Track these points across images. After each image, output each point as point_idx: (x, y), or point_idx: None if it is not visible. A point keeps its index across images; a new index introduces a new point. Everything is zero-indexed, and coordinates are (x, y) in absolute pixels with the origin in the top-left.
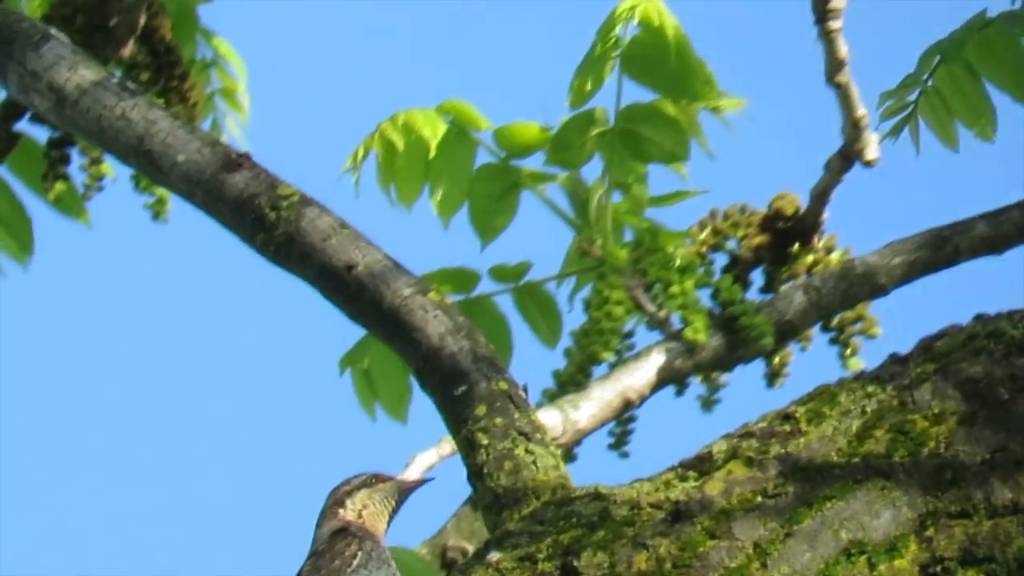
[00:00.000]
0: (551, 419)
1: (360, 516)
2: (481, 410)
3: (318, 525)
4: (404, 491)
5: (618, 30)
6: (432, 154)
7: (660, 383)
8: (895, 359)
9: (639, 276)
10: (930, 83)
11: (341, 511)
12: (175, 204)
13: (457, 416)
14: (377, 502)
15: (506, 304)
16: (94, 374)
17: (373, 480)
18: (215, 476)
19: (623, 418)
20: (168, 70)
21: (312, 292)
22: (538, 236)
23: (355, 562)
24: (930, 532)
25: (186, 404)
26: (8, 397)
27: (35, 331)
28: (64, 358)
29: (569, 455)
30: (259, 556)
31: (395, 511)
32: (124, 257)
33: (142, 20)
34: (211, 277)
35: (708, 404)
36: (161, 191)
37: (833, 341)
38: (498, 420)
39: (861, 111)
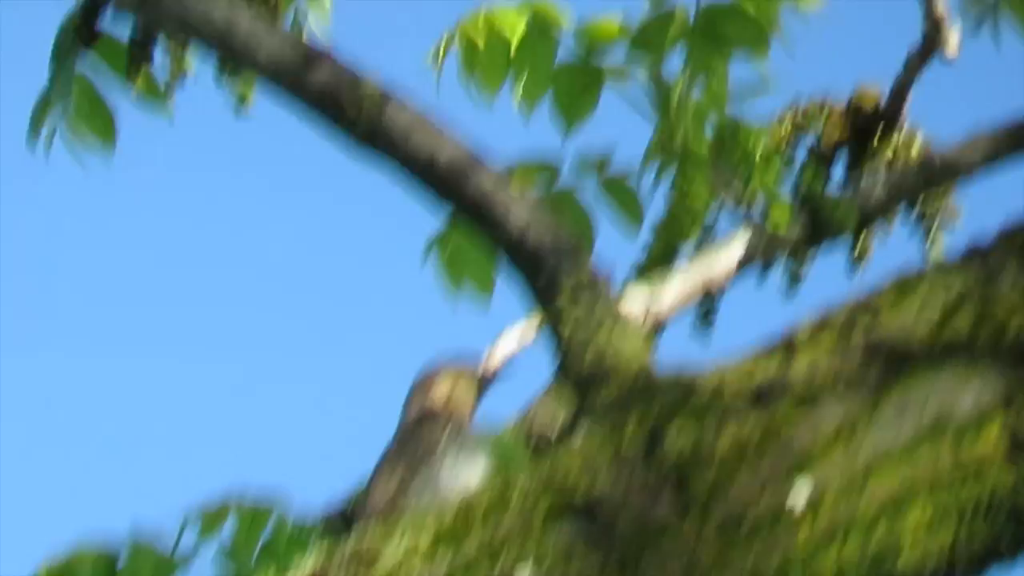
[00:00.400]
0: (634, 306)
1: (446, 401)
2: (565, 297)
3: (403, 411)
4: (486, 380)
5: None
6: (513, 51)
7: (741, 271)
8: (976, 247)
9: (721, 168)
10: None
11: (426, 396)
12: (257, 98)
13: (541, 303)
14: (462, 388)
15: (589, 195)
16: (178, 267)
17: (457, 367)
18: (299, 362)
19: (706, 303)
20: None
21: (395, 184)
22: (619, 130)
23: (441, 447)
24: (1014, 410)
25: (270, 293)
26: (92, 288)
27: (118, 226)
28: (147, 252)
29: (653, 339)
30: (343, 440)
31: (478, 398)
32: (206, 151)
33: None
34: (294, 170)
35: (790, 290)
36: (243, 86)
37: (914, 231)
38: (582, 308)
39: (942, 5)
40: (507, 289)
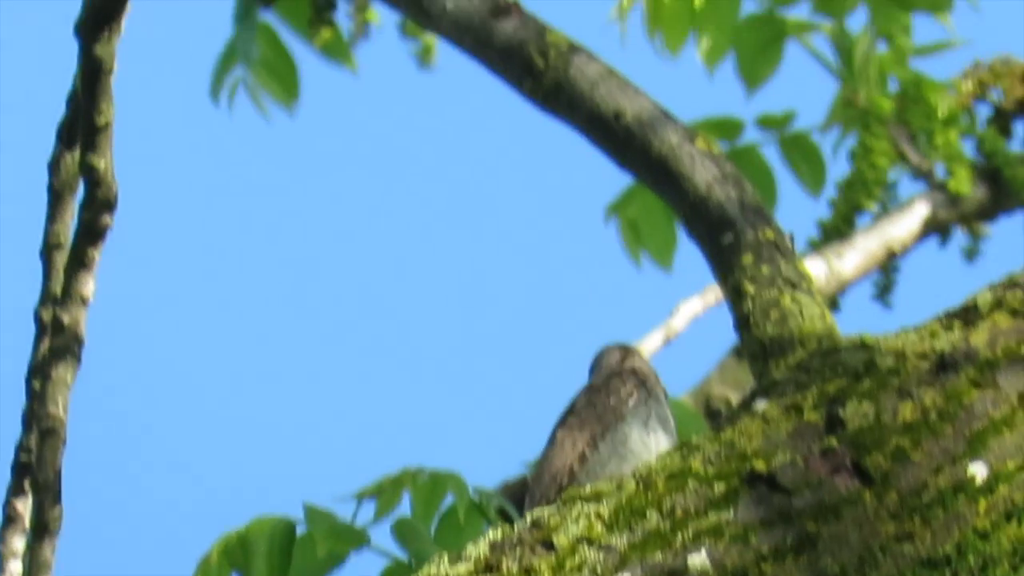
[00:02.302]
0: (816, 268)
1: (630, 366)
2: (748, 259)
3: (593, 372)
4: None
5: None
6: (698, 3)
7: (923, 233)
8: None
9: (903, 126)
10: None
11: (620, 359)
12: (441, 49)
13: (724, 264)
14: (641, 358)
15: (771, 153)
16: (358, 218)
17: (636, 355)
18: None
19: (887, 268)
20: None
21: (579, 139)
22: (803, 86)
23: (632, 401)
24: None
25: (452, 248)
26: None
27: (301, 177)
28: (330, 204)
29: (833, 304)
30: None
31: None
32: (391, 103)
33: None
34: (478, 123)
35: (971, 254)
36: (427, 38)
37: None
38: (765, 269)
39: None
40: (691, 250)
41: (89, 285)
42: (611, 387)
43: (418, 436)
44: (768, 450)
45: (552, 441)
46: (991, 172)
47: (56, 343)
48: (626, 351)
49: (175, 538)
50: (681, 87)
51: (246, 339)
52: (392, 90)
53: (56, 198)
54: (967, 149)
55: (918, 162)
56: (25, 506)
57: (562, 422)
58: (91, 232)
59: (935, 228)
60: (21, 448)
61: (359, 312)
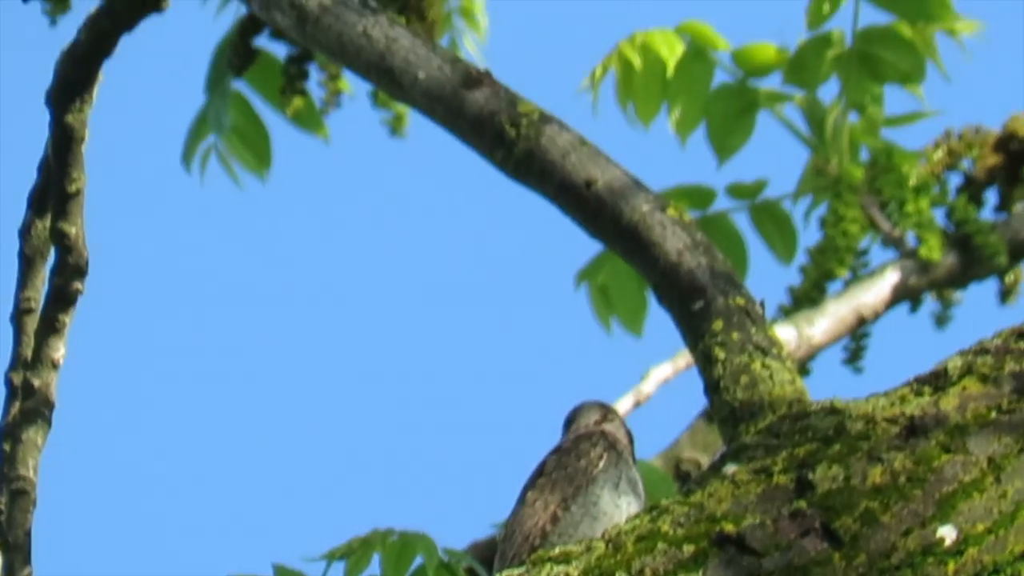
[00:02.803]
0: (787, 334)
1: (600, 427)
2: (718, 325)
3: (567, 427)
4: (638, 406)
5: None
6: (670, 74)
7: (894, 300)
8: None
9: (874, 195)
10: None
11: (591, 421)
12: (412, 120)
13: (694, 330)
14: (614, 419)
15: (742, 221)
16: (329, 287)
17: (612, 415)
18: (452, 382)
19: (857, 334)
20: None
21: (550, 208)
22: (775, 155)
23: (602, 463)
24: None
25: (422, 316)
26: (243, 303)
27: (272, 244)
28: (299, 271)
29: (804, 370)
30: (490, 461)
31: (629, 433)
32: (362, 172)
33: None
34: (448, 193)
35: (942, 321)
36: (399, 107)
37: None
38: (735, 335)
39: None
40: (661, 315)
41: (60, 349)
42: (581, 449)
43: (388, 497)
44: (737, 512)
45: (522, 501)
46: (962, 240)
47: (27, 406)
48: (604, 409)
49: None
50: (653, 156)
51: (215, 402)
52: (364, 159)
53: (27, 264)
54: (938, 217)
55: (889, 230)
56: None
57: (532, 483)
58: (62, 298)
59: (906, 295)
60: None
61: (329, 374)
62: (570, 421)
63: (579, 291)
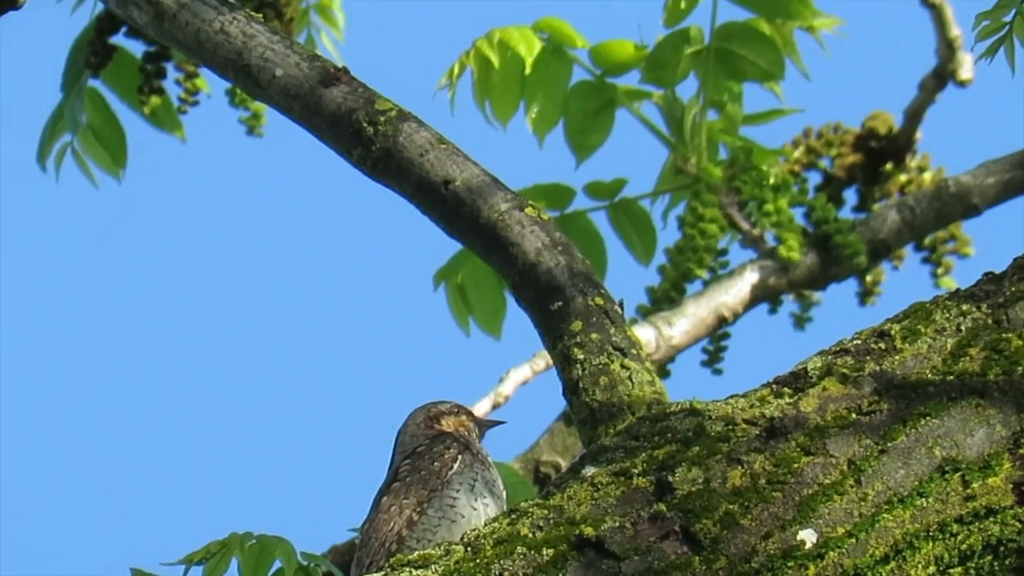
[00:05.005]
0: (646, 335)
1: (455, 430)
2: (577, 325)
3: (401, 439)
4: (482, 427)
5: None
6: (528, 71)
7: (754, 300)
8: (990, 277)
9: (733, 194)
10: None
11: (436, 426)
12: (270, 118)
13: (553, 331)
14: (466, 428)
15: (601, 220)
16: (187, 285)
17: (458, 410)
18: (307, 386)
19: (717, 335)
20: None
21: (408, 207)
22: (633, 153)
23: (456, 464)
24: None
25: (280, 315)
26: (100, 303)
27: (129, 243)
28: (157, 269)
29: (663, 371)
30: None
31: (483, 431)
32: (219, 171)
33: None
34: (306, 191)
35: (801, 322)
36: (256, 105)
37: (926, 260)
38: (594, 335)
39: (956, 31)
40: (519, 316)
41: None
42: (435, 452)
43: (246, 501)
44: (597, 516)
45: (377, 507)
46: (821, 239)
47: None
48: (429, 409)
49: None
50: (511, 155)
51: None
52: (221, 158)
53: None
54: (797, 217)
55: (748, 229)
56: None
57: (387, 488)
58: None
59: (765, 295)
60: None
61: (186, 375)
62: (399, 433)
63: (437, 291)
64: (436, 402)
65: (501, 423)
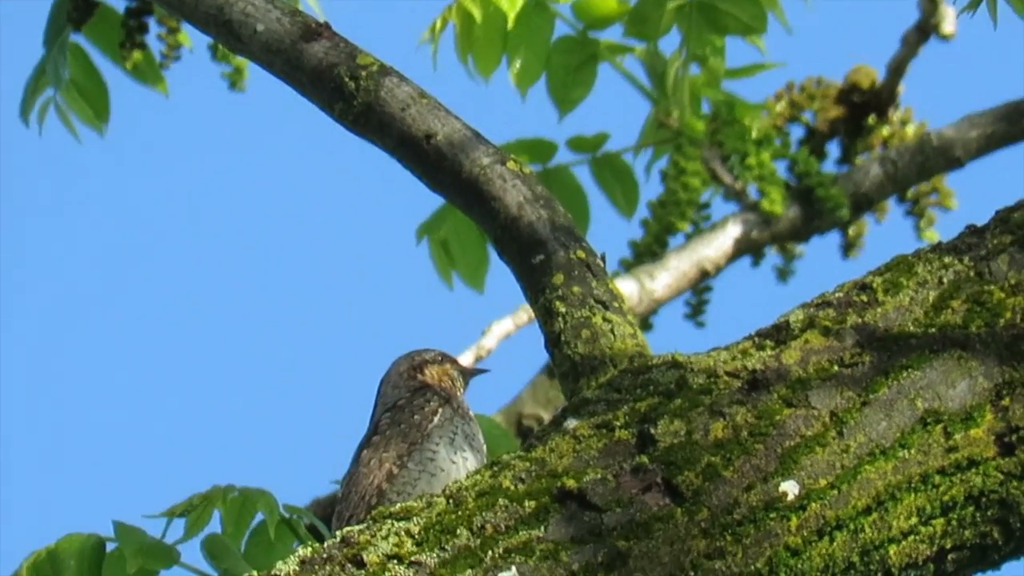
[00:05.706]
0: (628, 288)
1: (438, 381)
2: (559, 278)
3: (384, 389)
4: (467, 375)
5: None
6: (510, 25)
7: (736, 254)
8: (972, 230)
9: (716, 147)
10: None
11: (419, 376)
12: (252, 73)
13: (535, 284)
14: (450, 378)
15: (584, 174)
16: (169, 239)
17: (442, 358)
18: (291, 339)
19: (699, 288)
20: None
21: (390, 161)
22: (616, 107)
23: (436, 418)
24: (1006, 402)
25: (264, 269)
26: (81, 258)
27: (111, 197)
28: (139, 223)
29: (646, 324)
30: (331, 417)
31: (467, 381)
32: (201, 125)
33: None
34: (288, 146)
35: (784, 275)
36: (239, 60)
37: (908, 213)
38: (576, 288)
39: None
40: (502, 270)
41: None
42: (415, 405)
43: (228, 454)
44: (579, 468)
45: (357, 461)
46: (804, 192)
47: None
48: (412, 358)
49: None
50: (494, 109)
51: (51, 360)
52: (203, 113)
53: None
54: (780, 170)
55: (731, 183)
56: None
57: (367, 442)
58: None
59: (748, 248)
60: None
61: (167, 330)
62: (382, 383)
63: (420, 246)
64: (421, 350)
65: (485, 371)
